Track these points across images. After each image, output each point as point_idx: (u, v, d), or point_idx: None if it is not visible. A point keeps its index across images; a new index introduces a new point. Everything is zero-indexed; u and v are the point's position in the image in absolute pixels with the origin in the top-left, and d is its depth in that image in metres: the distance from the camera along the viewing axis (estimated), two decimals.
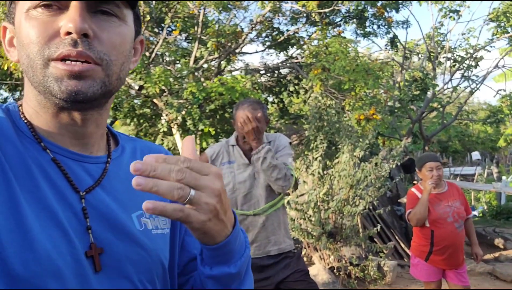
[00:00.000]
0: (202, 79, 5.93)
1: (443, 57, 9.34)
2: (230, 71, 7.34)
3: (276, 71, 7.64)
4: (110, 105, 0.74)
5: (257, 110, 2.30)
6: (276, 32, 7.29)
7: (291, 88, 7.67)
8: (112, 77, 0.65)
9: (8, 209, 0.58)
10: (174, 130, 5.79)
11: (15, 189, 0.60)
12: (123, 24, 0.67)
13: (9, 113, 0.68)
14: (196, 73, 6.04)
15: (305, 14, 6.68)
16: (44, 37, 0.62)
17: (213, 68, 6.53)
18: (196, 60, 6.30)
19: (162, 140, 7.23)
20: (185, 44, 7.62)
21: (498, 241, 7.23)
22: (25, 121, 0.68)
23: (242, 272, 0.70)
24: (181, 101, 5.21)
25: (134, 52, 0.74)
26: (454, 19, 8.99)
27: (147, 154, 0.82)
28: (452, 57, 9.21)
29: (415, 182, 8.33)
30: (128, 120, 6.21)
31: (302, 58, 6.91)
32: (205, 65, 6.58)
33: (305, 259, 5.30)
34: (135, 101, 6.34)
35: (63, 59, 0.61)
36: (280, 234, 2.36)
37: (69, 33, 0.61)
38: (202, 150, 6.57)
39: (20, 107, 0.70)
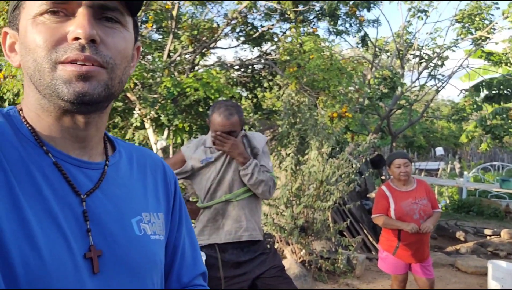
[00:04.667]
0: (176, 74, 5.88)
1: (411, 54, 9.60)
2: (205, 66, 7.31)
3: (250, 67, 7.66)
4: (110, 109, 0.77)
5: (233, 115, 2.33)
6: (250, 28, 7.31)
7: (265, 84, 7.72)
8: (115, 80, 0.68)
9: (12, 214, 0.60)
10: (147, 125, 5.73)
11: (17, 194, 0.61)
12: (126, 31, 0.71)
13: (10, 118, 0.70)
14: (170, 67, 5.98)
15: (279, 11, 6.73)
16: (51, 42, 0.64)
17: (185, 62, 6.47)
18: (169, 54, 6.25)
19: (133, 134, 7.14)
20: (156, 36, 7.53)
21: (459, 234, 7.56)
22: (27, 125, 0.69)
23: None
24: (155, 95, 5.16)
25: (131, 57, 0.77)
26: (422, 19, 9.24)
27: (142, 160, 0.85)
28: (419, 55, 9.49)
29: (383, 177, 8.57)
30: None
31: (276, 54, 6.96)
32: (178, 58, 6.52)
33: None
34: None
35: (71, 62, 0.63)
36: (252, 221, 2.39)
37: (77, 38, 0.63)
38: (176, 146, 6.54)
39: (20, 112, 0.71)
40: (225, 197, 2.36)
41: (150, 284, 0.75)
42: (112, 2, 0.67)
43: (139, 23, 6.35)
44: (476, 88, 9.34)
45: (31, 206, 0.62)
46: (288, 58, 5.93)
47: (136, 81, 5.38)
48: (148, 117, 5.23)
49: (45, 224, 0.62)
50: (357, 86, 6.51)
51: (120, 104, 5.97)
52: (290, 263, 4.89)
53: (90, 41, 0.64)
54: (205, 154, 2.41)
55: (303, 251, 5.12)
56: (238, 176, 2.37)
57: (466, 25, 8.98)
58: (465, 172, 12.23)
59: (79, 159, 0.71)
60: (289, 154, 5.10)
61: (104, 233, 0.69)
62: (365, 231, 6.34)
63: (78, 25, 0.63)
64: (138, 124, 5.56)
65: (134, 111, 5.68)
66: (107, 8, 0.67)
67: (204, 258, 2.37)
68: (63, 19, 0.65)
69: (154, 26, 7.21)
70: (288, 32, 7.14)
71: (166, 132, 5.78)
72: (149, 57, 6.87)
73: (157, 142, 5.67)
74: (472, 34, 9.01)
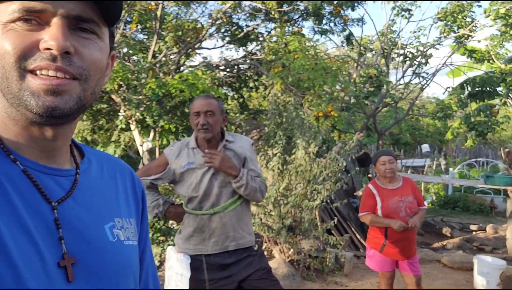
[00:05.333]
0: (161, 75, 5.84)
1: (395, 53, 9.69)
2: (190, 67, 7.27)
3: (236, 67, 7.64)
4: (79, 119, 0.75)
5: (210, 98, 2.38)
6: (235, 28, 7.29)
7: (251, 84, 7.71)
8: (88, 91, 0.67)
9: None
10: (132, 126, 5.68)
11: None
12: (101, 41, 0.69)
13: None
14: (155, 68, 5.94)
15: (264, 11, 6.73)
16: (21, 49, 0.61)
17: (170, 63, 6.43)
18: (154, 55, 6.20)
19: (119, 135, 7.07)
20: (141, 36, 7.47)
21: (446, 230, 7.65)
22: None
23: None
24: (140, 97, 5.11)
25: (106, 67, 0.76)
26: (406, 17, 9.33)
27: (112, 167, 0.84)
28: (404, 53, 9.57)
29: (369, 175, 8.62)
30: (83, 116, 6.03)
31: (261, 54, 6.96)
32: (164, 59, 6.48)
33: (265, 253, 5.39)
34: None
35: (41, 72, 0.61)
36: (239, 230, 2.37)
37: (48, 49, 0.61)
38: (162, 147, 6.49)
39: None
40: (213, 211, 2.33)
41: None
42: (87, 12, 0.65)
43: (123, 24, 6.31)
44: (461, 86, 9.46)
45: (1, 217, 0.60)
46: (273, 58, 5.94)
47: (121, 83, 5.33)
48: (133, 118, 5.18)
49: (15, 233, 0.60)
50: (342, 85, 6.54)
51: (105, 106, 5.90)
52: (279, 263, 4.90)
53: (64, 52, 0.62)
54: (188, 158, 2.38)
55: (291, 250, 5.13)
56: (225, 187, 2.34)
57: (449, 23, 9.09)
58: (451, 169, 12.38)
59: (48, 167, 0.69)
60: (276, 154, 5.10)
61: (77, 240, 0.67)
62: (352, 229, 6.38)
63: (52, 36, 0.61)
64: (124, 126, 5.51)
65: (119, 113, 5.63)
66: (83, 19, 0.65)
67: (189, 261, 2.35)
68: (36, 27, 0.62)
69: (139, 27, 7.16)
70: (273, 32, 7.14)
71: (152, 134, 5.73)
72: (135, 58, 6.81)
73: (143, 144, 5.63)
74: (455, 32, 9.12)
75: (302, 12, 7.46)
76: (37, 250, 0.62)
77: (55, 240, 0.65)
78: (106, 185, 0.79)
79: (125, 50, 6.64)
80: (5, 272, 0.57)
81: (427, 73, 9.50)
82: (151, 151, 5.71)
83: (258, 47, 7.46)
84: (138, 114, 5.04)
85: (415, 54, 9.40)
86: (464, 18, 8.90)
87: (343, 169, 5.26)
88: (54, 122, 0.65)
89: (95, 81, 0.68)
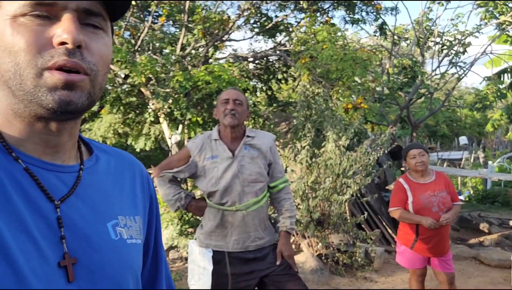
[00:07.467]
0: (189, 67, 5.86)
1: (432, 41, 9.34)
2: (218, 59, 7.27)
3: (264, 59, 7.57)
4: (83, 115, 0.74)
5: (238, 90, 2.46)
6: (265, 18, 7.21)
7: (279, 76, 7.62)
8: (96, 87, 0.67)
9: None
10: (161, 119, 5.73)
11: None
12: (107, 36, 0.69)
13: None
14: (183, 61, 5.96)
15: (293, 0, 6.61)
16: (36, 46, 0.61)
17: (200, 56, 6.44)
18: (183, 48, 6.22)
19: (149, 128, 7.18)
20: (172, 29, 7.52)
21: (483, 226, 7.35)
22: None
23: None
24: (167, 90, 5.14)
25: None
26: (442, 4, 8.97)
27: (120, 163, 0.83)
28: (441, 42, 9.22)
29: (402, 168, 8.40)
30: (114, 109, 6.14)
31: (290, 45, 6.85)
32: (193, 52, 6.49)
33: (293, 246, 5.34)
34: (122, 89, 6.25)
35: (58, 68, 0.61)
36: (260, 230, 2.37)
37: (62, 43, 0.61)
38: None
39: None
40: (236, 208, 2.33)
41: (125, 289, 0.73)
42: (97, 6, 0.65)
43: (152, 17, 6.37)
44: (498, 75, 9.02)
45: (0, 216, 0.59)
46: (301, 48, 5.82)
47: (150, 76, 5.38)
48: (161, 111, 5.22)
49: (15, 232, 0.60)
50: (373, 77, 6.35)
51: (134, 99, 5.99)
52: (307, 257, 4.84)
53: (76, 46, 0.62)
54: (211, 151, 2.37)
55: (320, 244, 5.06)
56: (247, 186, 2.33)
57: (490, 9, 8.66)
58: (490, 162, 11.90)
59: (51, 163, 0.68)
60: (304, 146, 5.03)
61: (78, 239, 0.67)
62: (384, 223, 6.23)
63: (65, 29, 0.61)
64: (152, 119, 5.57)
65: (148, 106, 5.69)
66: (92, 13, 0.65)
67: (211, 254, 2.34)
68: (46, 21, 0.62)
69: (170, 22, 7.21)
70: (302, 22, 7.01)
71: (180, 127, 5.77)
72: (167, 50, 6.87)
73: (172, 137, 5.67)
74: (496, 18, 8.68)
75: (333, 1, 7.28)
76: (38, 249, 0.61)
77: (56, 239, 0.64)
78: (112, 182, 0.79)
79: (155, 45, 6.71)
80: (6, 271, 0.57)
81: (465, 63, 9.10)
82: (179, 144, 5.75)
83: (287, 38, 7.35)
84: (166, 107, 5.07)
85: (453, 42, 9.03)
86: (506, 3, 8.45)
87: (375, 162, 5.12)
88: (65, 118, 0.66)
89: (102, 77, 0.68)
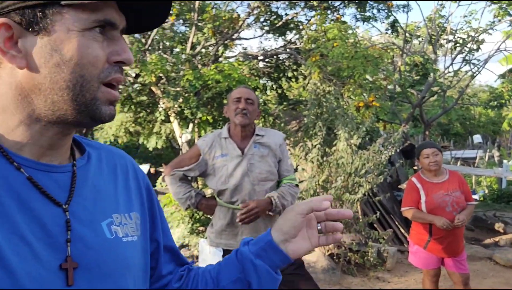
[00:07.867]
0: (199, 66, 5.85)
1: (444, 39, 9.21)
2: (228, 57, 7.25)
3: (275, 57, 7.53)
4: None
5: (249, 88, 2.45)
6: (275, 17, 7.18)
7: (290, 74, 7.58)
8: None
9: None
10: (172, 118, 5.74)
11: None
12: None
13: None
14: (193, 60, 5.95)
15: None
16: (103, 61, 0.66)
17: (210, 54, 6.43)
18: (193, 46, 6.22)
19: (160, 127, 7.20)
20: (183, 28, 7.52)
21: (498, 226, 7.22)
22: None
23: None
24: (177, 89, 5.14)
25: None
26: (455, 1, 8.83)
27: (112, 160, 0.82)
28: (454, 39, 9.08)
29: (415, 167, 8.30)
30: (125, 108, 6.16)
31: (300, 43, 6.80)
32: (203, 50, 6.48)
33: None
34: (133, 88, 6.27)
35: (109, 84, 0.67)
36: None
37: (119, 62, 0.67)
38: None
39: None
40: None
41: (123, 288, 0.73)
42: (122, 24, 0.70)
43: None
44: None
45: None
46: (312, 46, 5.78)
47: (161, 75, 5.39)
48: (172, 110, 5.23)
49: (13, 240, 0.60)
50: (385, 74, 6.27)
51: (145, 98, 6.00)
52: (318, 256, 4.81)
53: None
54: (221, 150, 2.36)
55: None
56: (257, 185, 2.32)
57: (504, 5, 8.51)
58: (505, 161, 11.71)
59: (45, 164, 0.68)
60: (315, 145, 4.99)
61: (74, 239, 0.66)
62: (396, 223, 6.16)
63: (124, 49, 0.67)
64: (163, 117, 5.58)
65: (159, 105, 5.70)
66: (122, 32, 0.71)
67: (221, 253, 2.33)
68: (104, 38, 0.66)
69: (180, 21, 7.21)
70: (312, 20, 6.96)
71: (190, 125, 5.77)
72: (177, 49, 6.87)
73: (182, 135, 5.68)
74: (510, 15, 8.53)
75: None
76: (35, 253, 0.61)
77: (59, 241, 0.64)
78: (104, 180, 0.78)
79: (166, 44, 6.72)
80: (4, 277, 0.57)
81: (478, 60, 8.96)
82: (190, 143, 5.75)
83: (297, 36, 7.30)
84: (176, 106, 5.07)
85: (466, 39, 8.88)
86: None
87: (387, 161, 5.06)
88: (93, 126, 0.70)
89: None
